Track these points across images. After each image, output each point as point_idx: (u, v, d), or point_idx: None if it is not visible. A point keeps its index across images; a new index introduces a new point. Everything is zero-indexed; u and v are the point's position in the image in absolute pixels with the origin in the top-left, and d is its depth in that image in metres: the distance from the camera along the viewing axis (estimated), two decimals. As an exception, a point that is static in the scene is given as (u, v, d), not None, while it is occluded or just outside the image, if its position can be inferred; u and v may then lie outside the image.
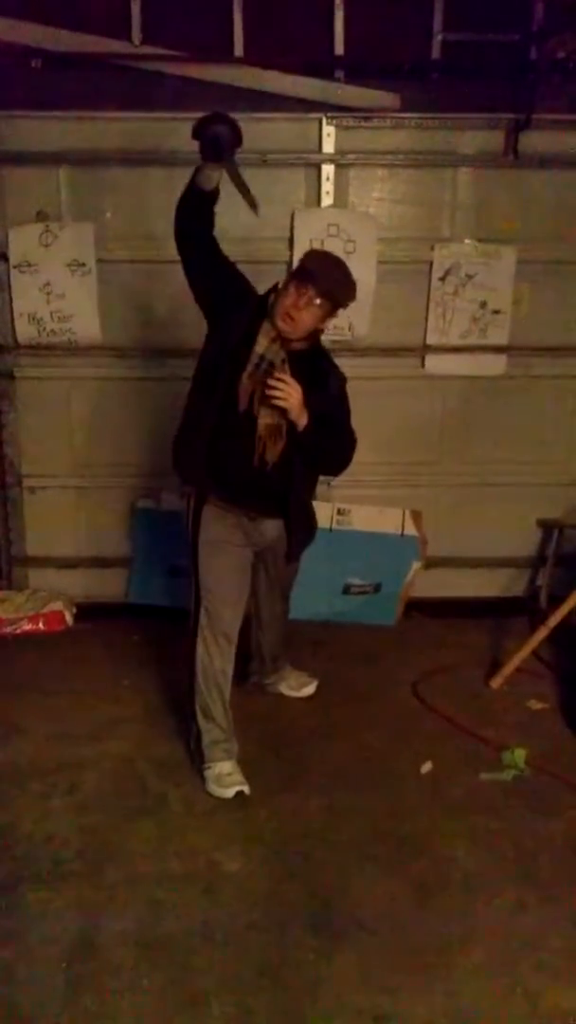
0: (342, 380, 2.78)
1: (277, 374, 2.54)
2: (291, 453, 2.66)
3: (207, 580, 2.73)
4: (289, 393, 2.52)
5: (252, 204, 2.56)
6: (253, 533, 2.78)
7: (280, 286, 2.60)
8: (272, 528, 2.82)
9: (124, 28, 3.71)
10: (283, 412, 2.57)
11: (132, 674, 3.56)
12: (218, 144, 2.42)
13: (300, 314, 2.52)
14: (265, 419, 2.60)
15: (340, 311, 2.65)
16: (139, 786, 2.79)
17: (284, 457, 2.67)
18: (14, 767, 2.88)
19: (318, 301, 2.53)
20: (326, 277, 2.53)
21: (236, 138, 2.45)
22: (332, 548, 3.99)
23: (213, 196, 2.55)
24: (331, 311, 2.60)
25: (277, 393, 2.52)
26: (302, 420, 2.58)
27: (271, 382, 2.53)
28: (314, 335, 2.66)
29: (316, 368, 2.69)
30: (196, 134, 2.44)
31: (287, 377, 2.54)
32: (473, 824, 2.61)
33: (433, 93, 3.85)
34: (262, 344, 2.57)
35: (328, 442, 2.71)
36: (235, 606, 2.79)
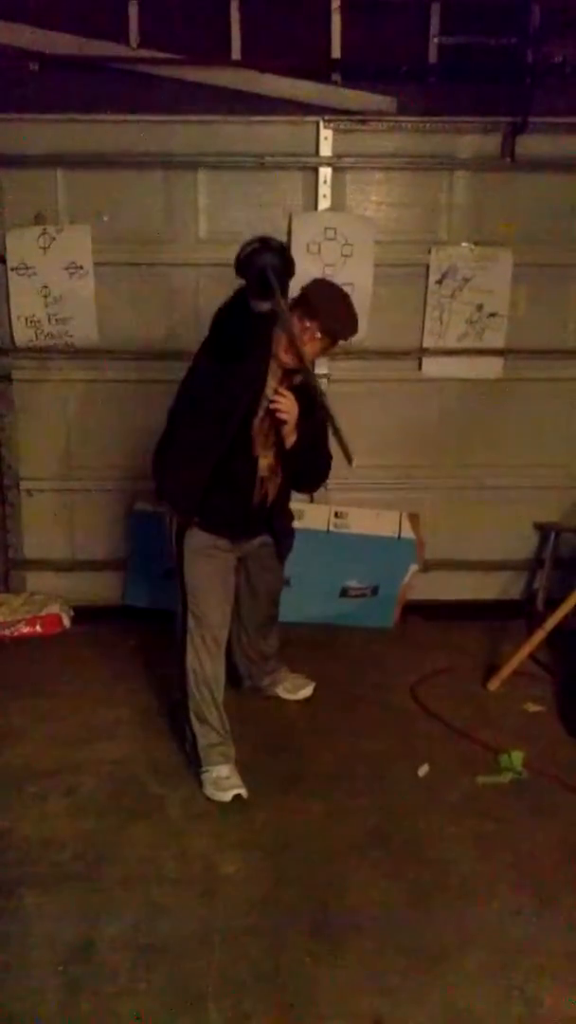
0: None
1: (279, 389, 2.59)
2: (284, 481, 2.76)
3: (193, 584, 2.74)
4: (289, 407, 2.57)
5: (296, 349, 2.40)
6: (240, 542, 2.84)
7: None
8: (256, 539, 2.90)
9: (122, 31, 3.72)
10: (278, 445, 2.63)
11: (129, 677, 3.56)
12: (266, 279, 2.09)
13: (302, 347, 2.48)
14: (266, 459, 2.69)
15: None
16: (136, 789, 2.78)
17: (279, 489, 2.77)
18: (11, 770, 2.87)
19: (319, 335, 2.56)
20: (329, 313, 2.54)
21: (287, 268, 2.13)
22: (330, 551, 4.00)
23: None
24: (331, 345, 2.64)
25: (280, 406, 2.56)
26: (292, 437, 2.64)
27: (274, 397, 2.57)
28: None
29: (307, 395, 2.68)
30: (241, 268, 2.13)
31: (286, 391, 2.59)
32: (470, 827, 2.60)
33: (430, 96, 3.86)
34: (271, 387, 2.61)
35: (313, 459, 2.76)
36: (222, 609, 2.81)
